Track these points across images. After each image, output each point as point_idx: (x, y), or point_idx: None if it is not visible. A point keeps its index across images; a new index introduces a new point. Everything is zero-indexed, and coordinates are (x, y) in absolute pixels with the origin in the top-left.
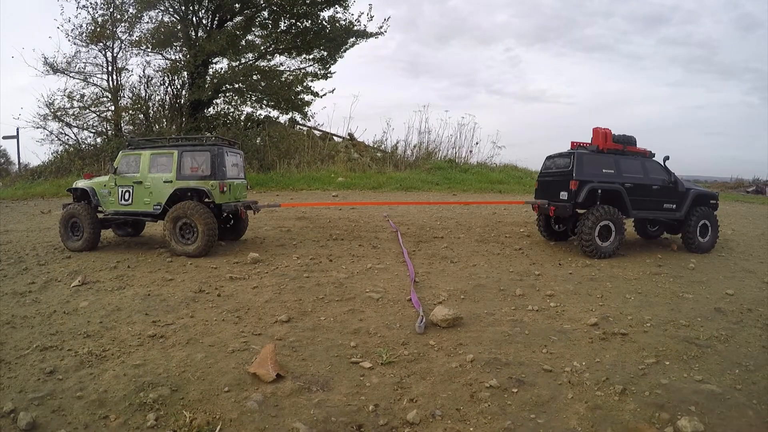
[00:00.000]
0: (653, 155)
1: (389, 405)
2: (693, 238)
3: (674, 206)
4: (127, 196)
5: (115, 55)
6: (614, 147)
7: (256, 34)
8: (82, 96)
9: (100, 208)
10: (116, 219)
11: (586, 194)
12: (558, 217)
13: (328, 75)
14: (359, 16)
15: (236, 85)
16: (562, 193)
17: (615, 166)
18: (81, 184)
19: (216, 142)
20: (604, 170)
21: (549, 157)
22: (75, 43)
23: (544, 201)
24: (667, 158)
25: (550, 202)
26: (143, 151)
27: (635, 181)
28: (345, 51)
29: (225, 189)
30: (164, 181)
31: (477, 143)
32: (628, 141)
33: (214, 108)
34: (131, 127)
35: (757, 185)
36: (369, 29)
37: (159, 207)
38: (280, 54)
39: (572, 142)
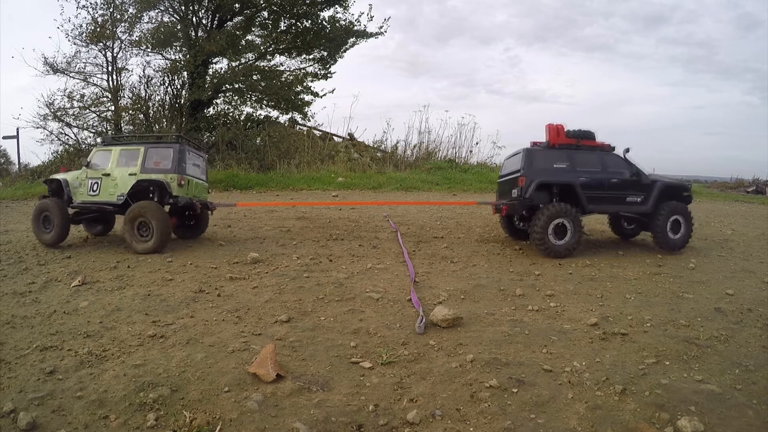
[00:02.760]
0: (613, 148)
1: (389, 405)
2: (663, 235)
3: (639, 200)
4: (95, 188)
5: (115, 55)
6: (567, 142)
7: (256, 34)
8: (82, 96)
9: (71, 204)
10: (83, 209)
11: (534, 190)
12: (511, 215)
13: (328, 75)
14: (359, 16)
15: (236, 85)
16: (513, 191)
17: (568, 160)
18: (57, 176)
19: (179, 141)
20: (555, 165)
21: (506, 158)
22: (75, 43)
23: (499, 202)
24: (627, 150)
25: (503, 202)
26: (114, 147)
27: (591, 175)
28: (345, 51)
29: (183, 183)
30: (129, 174)
31: (477, 143)
32: (585, 135)
33: (214, 108)
34: (131, 127)
35: (757, 185)
36: (369, 29)
37: (122, 197)
38: (280, 54)
39: (531, 142)
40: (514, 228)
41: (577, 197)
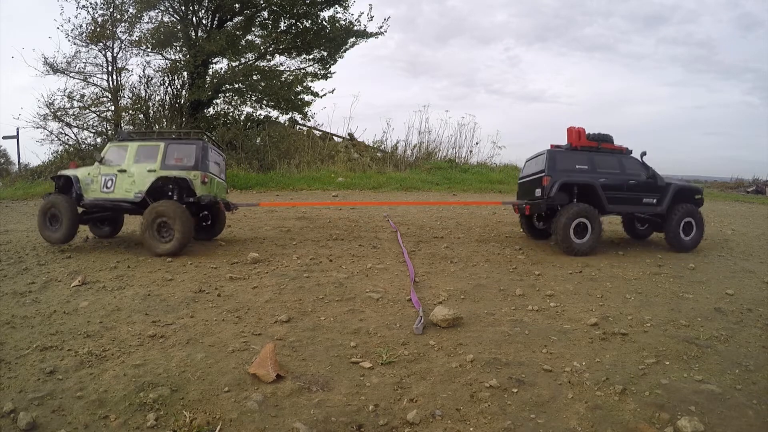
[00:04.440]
0: (630, 152)
1: (389, 405)
2: (675, 236)
3: (654, 201)
4: (109, 184)
5: (115, 55)
6: (588, 144)
7: (256, 34)
8: (82, 96)
9: (81, 202)
10: (95, 207)
11: (558, 189)
12: (534, 214)
13: (328, 75)
14: (359, 16)
15: (236, 85)
16: (537, 190)
17: (589, 162)
18: (66, 172)
19: (201, 137)
20: (577, 166)
21: (527, 160)
22: (75, 43)
23: (521, 201)
24: (644, 154)
25: (526, 201)
26: (131, 143)
27: (611, 177)
28: (345, 51)
29: (206, 180)
30: (148, 170)
31: (477, 143)
32: (604, 139)
33: (214, 108)
34: (131, 127)
35: (757, 185)
36: (369, 29)
37: (140, 195)
38: (280, 54)
39: (551, 145)
40: (534, 228)
41: (597, 197)
